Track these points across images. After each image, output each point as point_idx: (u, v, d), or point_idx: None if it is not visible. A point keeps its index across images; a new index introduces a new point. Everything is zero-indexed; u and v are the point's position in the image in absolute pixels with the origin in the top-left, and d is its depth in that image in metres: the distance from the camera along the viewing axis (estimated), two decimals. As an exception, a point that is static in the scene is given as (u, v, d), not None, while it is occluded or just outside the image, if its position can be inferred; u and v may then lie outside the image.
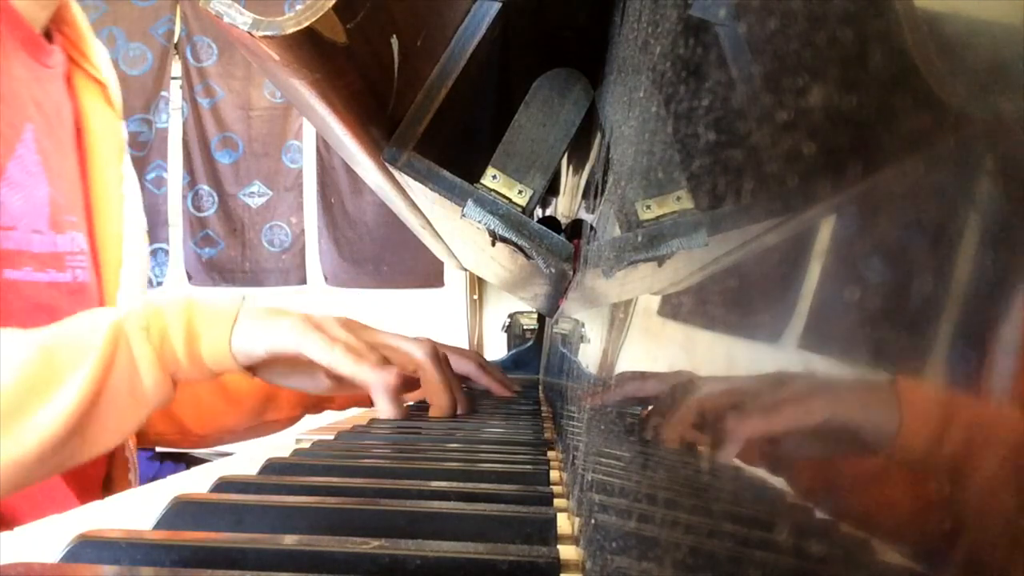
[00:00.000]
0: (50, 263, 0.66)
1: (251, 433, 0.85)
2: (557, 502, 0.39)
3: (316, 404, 0.85)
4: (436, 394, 0.70)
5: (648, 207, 0.28)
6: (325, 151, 3.00)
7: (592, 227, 0.49)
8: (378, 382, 0.63)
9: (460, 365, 0.86)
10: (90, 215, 0.72)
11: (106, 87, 0.76)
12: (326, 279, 3.08)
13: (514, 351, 1.72)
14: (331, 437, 0.59)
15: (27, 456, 0.52)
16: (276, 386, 0.80)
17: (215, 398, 0.82)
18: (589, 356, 0.46)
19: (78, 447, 0.55)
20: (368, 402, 0.86)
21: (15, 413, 0.52)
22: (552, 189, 1.10)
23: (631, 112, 0.33)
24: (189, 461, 2.58)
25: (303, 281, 3.10)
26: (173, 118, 3.10)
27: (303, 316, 0.62)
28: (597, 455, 0.33)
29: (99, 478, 0.74)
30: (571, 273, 0.55)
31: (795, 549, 0.13)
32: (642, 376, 0.27)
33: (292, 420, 0.85)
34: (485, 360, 0.95)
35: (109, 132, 0.76)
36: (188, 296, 0.60)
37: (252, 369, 0.63)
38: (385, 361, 0.64)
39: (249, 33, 0.41)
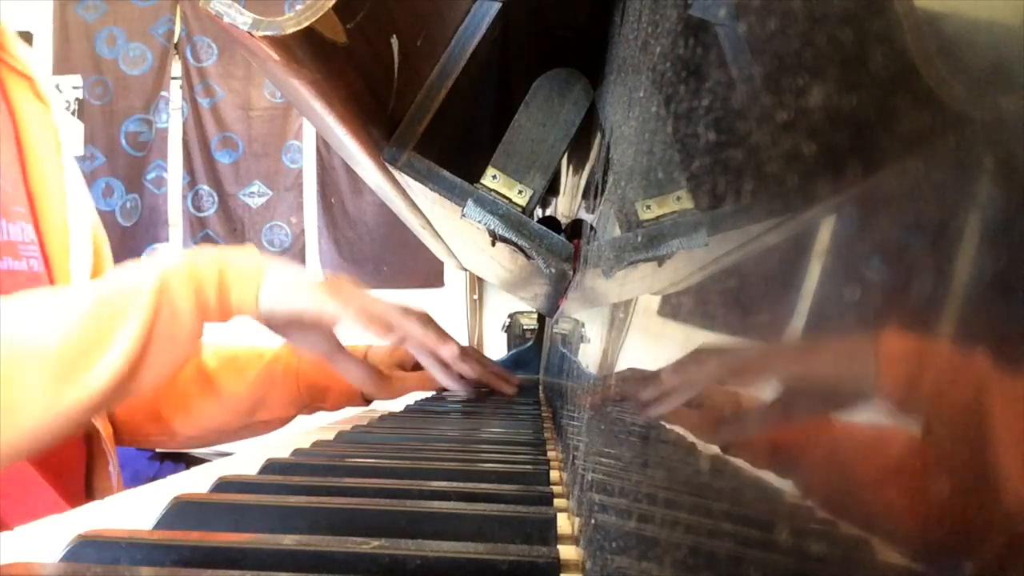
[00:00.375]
0: (6, 251, 0.67)
1: (243, 432, 0.85)
2: (557, 502, 0.39)
3: (308, 404, 0.84)
4: (491, 379, 0.85)
5: (648, 207, 0.28)
6: (325, 151, 3.00)
7: (592, 227, 0.49)
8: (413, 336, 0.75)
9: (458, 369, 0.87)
10: (33, 207, 0.72)
11: (33, 80, 0.76)
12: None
13: (514, 351, 1.72)
14: (331, 437, 0.59)
15: (91, 399, 0.56)
16: (266, 387, 0.81)
17: (204, 399, 0.82)
18: (589, 356, 0.46)
19: (129, 387, 0.60)
20: (361, 402, 0.86)
21: (79, 362, 0.56)
22: (552, 189, 1.10)
23: (631, 112, 0.33)
24: (189, 461, 2.58)
25: (303, 281, 3.10)
26: (173, 118, 3.10)
27: (323, 284, 0.69)
28: (597, 455, 0.33)
29: (80, 472, 0.75)
30: (571, 273, 0.55)
31: (794, 549, 0.13)
32: (643, 374, 0.27)
33: (284, 420, 0.85)
34: (485, 357, 0.94)
35: (43, 125, 0.76)
36: (220, 251, 0.66)
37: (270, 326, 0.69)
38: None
39: (249, 33, 0.41)
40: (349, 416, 0.84)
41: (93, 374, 0.57)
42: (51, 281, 0.72)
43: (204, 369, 0.83)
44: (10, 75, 0.73)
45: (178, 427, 0.83)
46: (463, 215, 0.53)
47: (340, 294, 0.68)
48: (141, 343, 0.59)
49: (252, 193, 3.10)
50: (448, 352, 0.79)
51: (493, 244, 0.56)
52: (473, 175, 0.54)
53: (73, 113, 3.09)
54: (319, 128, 0.65)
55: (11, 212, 0.69)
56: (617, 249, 0.32)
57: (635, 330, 0.30)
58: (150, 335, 0.60)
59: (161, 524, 0.34)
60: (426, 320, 0.78)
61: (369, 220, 3.03)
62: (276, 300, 0.65)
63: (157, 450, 2.64)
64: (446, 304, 3.02)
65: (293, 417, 0.85)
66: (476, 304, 3.06)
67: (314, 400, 0.84)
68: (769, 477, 0.15)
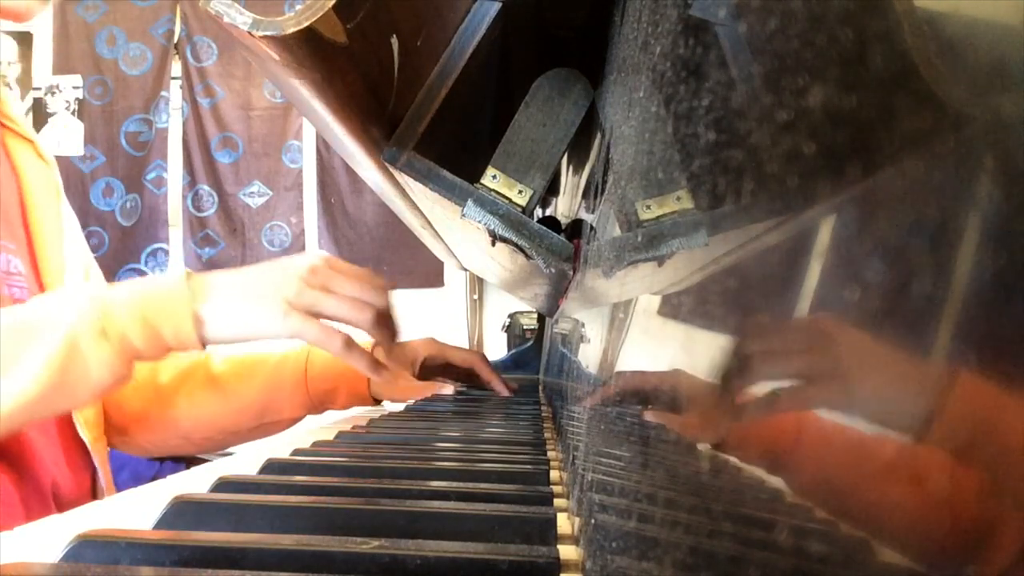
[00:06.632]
0: None
1: (255, 433, 0.87)
2: (557, 502, 0.39)
3: (317, 406, 0.86)
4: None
5: (648, 207, 0.28)
6: (325, 151, 3.00)
7: (592, 227, 0.49)
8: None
9: (466, 357, 0.93)
10: (32, 249, 0.78)
11: (34, 143, 0.83)
12: (326, 279, 3.07)
13: (514, 351, 1.72)
14: (331, 437, 0.59)
15: None
16: (274, 391, 0.83)
17: (214, 404, 0.85)
18: (589, 356, 0.46)
19: (35, 417, 0.62)
20: (370, 402, 0.87)
21: None
22: (552, 189, 1.10)
23: (631, 112, 0.33)
24: (189, 461, 2.58)
25: (303, 281, 3.09)
26: (173, 118, 3.10)
27: (283, 297, 0.63)
28: (597, 455, 0.33)
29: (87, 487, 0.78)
30: (571, 273, 0.55)
31: (794, 549, 0.13)
32: (642, 374, 0.27)
33: (293, 421, 0.86)
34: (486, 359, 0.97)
35: (44, 180, 0.82)
36: (130, 288, 0.63)
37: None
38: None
39: (249, 33, 0.41)
40: (349, 416, 0.85)
41: None
42: None
43: (213, 374, 0.85)
44: (13, 138, 0.81)
45: (190, 432, 0.85)
46: (463, 215, 0.53)
47: (294, 305, 0.62)
48: (42, 388, 0.59)
49: (252, 193, 3.09)
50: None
51: (493, 244, 0.56)
52: (473, 175, 0.54)
53: (73, 113, 3.09)
54: (319, 128, 0.65)
55: (1, 246, 0.74)
56: (617, 249, 0.32)
57: (635, 330, 0.30)
58: (53, 382, 0.59)
59: (161, 524, 0.34)
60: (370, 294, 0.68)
61: (369, 220, 3.03)
62: (220, 329, 0.62)
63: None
64: (446, 304, 3.02)
65: (302, 418, 0.87)
66: (476, 304, 3.05)
67: (323, 403, 0.85)
68: (768, 477, 0.15)
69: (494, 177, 0.54)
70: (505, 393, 0.93)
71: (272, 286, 0.63)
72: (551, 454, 0.54)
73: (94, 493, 0.79)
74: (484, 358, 0.95)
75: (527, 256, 0.55)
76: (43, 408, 0.61)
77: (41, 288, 0.77)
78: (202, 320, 0.62)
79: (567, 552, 0.31)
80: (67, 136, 3.07)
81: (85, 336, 0.60)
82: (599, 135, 0.50)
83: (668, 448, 0.22)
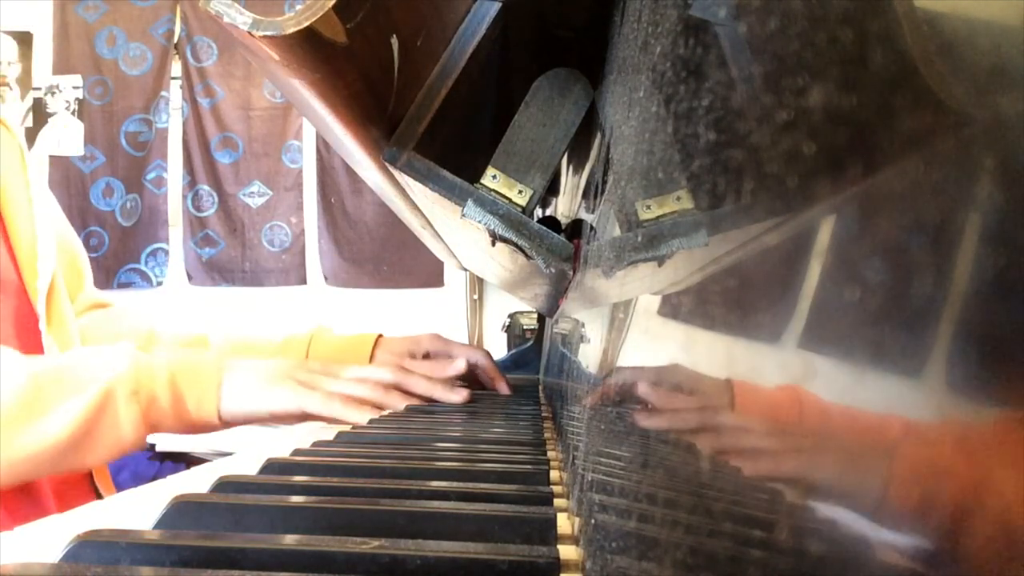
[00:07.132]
0: None
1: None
2: (557, 502, 0.39)
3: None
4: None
5: (648, 207, 0.28)
6: (325, 151, 3.00)
7: (592, 227, 0.49)
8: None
9: (472, 354, 0.93)
10: (2, 219, 0.79)
11: None
12: (326, 279, 3.08)
13: (514, 351, 1.72)
14: (331, 437, 0.59)
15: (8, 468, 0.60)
16: None
17: None
18: (589, 356, 0.46)
19: (58, 467, 0.64)
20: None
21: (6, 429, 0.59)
22: (552, 189, 1.10)
23: (631, 112, 0.33)
24: (189, 461, 2.58)
25: (303, 281, 3.10)
26: (173, 118, 3.10)
27: (296, 379, 0.70)
28: (597, 455, 0.33)
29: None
30: (571, 273, 0.55)
31: (794, 549, 0.13)
32: (640, 372, 0.27)
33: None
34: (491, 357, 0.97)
35: (6, 146, 0.82)
36: (171, 359, 0.68)
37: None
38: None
39: (249, 33, 0.41)
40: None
41: (17, 445, 0.59)
42: (19, 279, 0.79)
43: None
44: None
45: None
46: (463, 215, 0.53)
47: (305, 384, 0.69)
48: (73, 436, 0.61)
49: (252, 193, 3.10)
50: (444, 394, 0.81)
51: (493, 244, 0.56)
52: (473, 175, 0.54)
53: (73, 113, 3.09)
54: (319, 128, 0.66)
55: None
56: (617, 249, 0.32)
57: (635, 330, 0.30)
58: (83, 433, 0.62)
59: (161, 524, 0.34)
60: (403, 373, 0.78)
61: (369, 220, 3.03)
62: (237, 406, 0.69)
63: (157, 449, 2.64)
64: (446, 304, 3.02)
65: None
66: (476, 304, 3.06)
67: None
68: (768, 477, 0.15)
69: (494, 177, 0.54)
70: (507, 392, 0.93)
71: (284, 369, 0.71)
72: (551, 454, 0.54)
73: (92, 487, 0.78)
74: (489, 355, 0.94)
75: (527, 256, 0.55)
76: (66, 459, 0.63)
77: (13, 259, 0.77)
78: (222, 394, 0.68)
79: (567, 552, 0.31)
80: (67, 136, 3.08)
81: (120, 394, 0.64)
82: (599, 135, 0.50)
83: (668, 448, 0.22)
